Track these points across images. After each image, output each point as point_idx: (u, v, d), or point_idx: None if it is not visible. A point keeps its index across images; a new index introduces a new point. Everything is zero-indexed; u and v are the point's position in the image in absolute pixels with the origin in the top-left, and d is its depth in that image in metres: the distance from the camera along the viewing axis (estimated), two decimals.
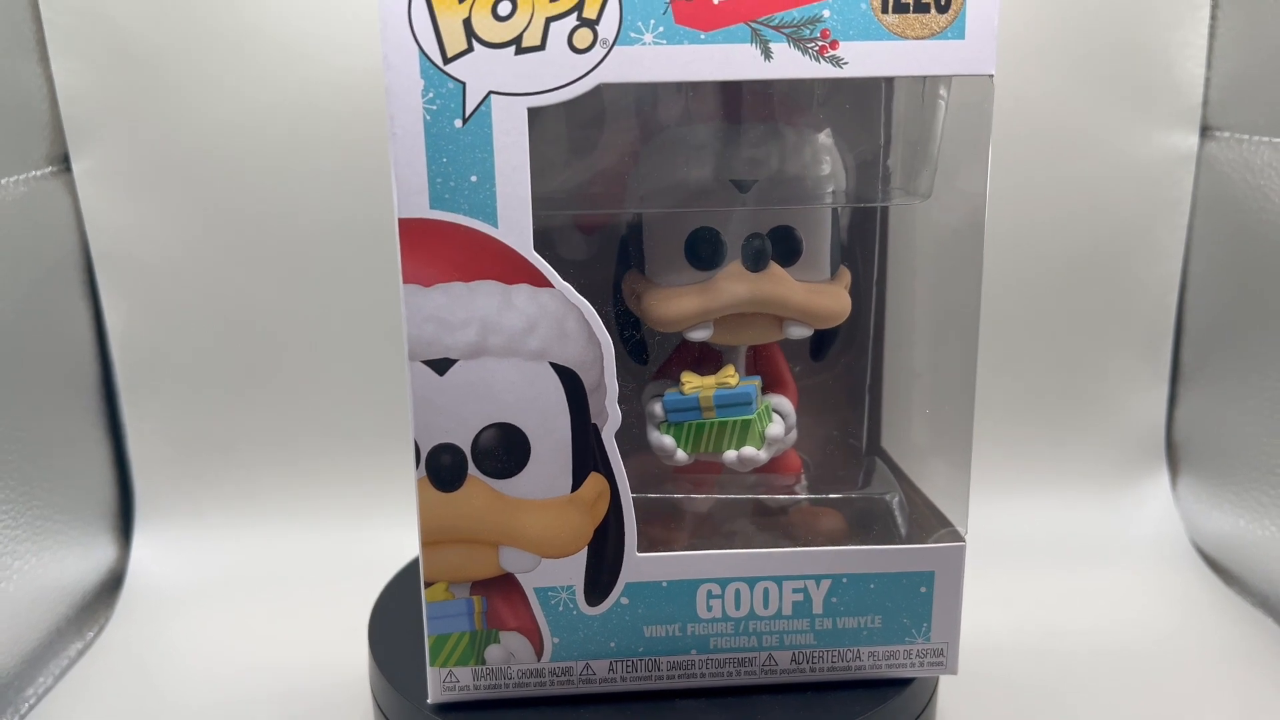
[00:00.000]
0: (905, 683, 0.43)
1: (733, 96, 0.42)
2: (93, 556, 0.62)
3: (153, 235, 0.63)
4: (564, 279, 0.38)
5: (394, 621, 0.48)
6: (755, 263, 0.41)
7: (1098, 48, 0.63)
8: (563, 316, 0.38)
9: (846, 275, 0.44)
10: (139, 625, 0.60)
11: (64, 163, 0.61)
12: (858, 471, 0.50)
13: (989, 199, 0.40)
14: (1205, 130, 0.64)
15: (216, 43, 0.60)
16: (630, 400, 0.39)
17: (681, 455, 0.43)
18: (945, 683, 0.47)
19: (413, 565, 0.54)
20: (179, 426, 0.66)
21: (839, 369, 0.49)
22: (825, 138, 0.42)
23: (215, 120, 0.61)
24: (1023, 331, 0.68)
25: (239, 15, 0.60)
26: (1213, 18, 0.63)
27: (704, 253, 0.42)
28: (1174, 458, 0.70)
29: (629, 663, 0.42)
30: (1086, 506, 0.69)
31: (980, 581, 0.42)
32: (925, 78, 0.41)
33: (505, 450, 0.39)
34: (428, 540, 0.40)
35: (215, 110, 0.61)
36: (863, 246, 0.48)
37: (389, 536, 0.63)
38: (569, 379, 0.38)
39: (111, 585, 0.63)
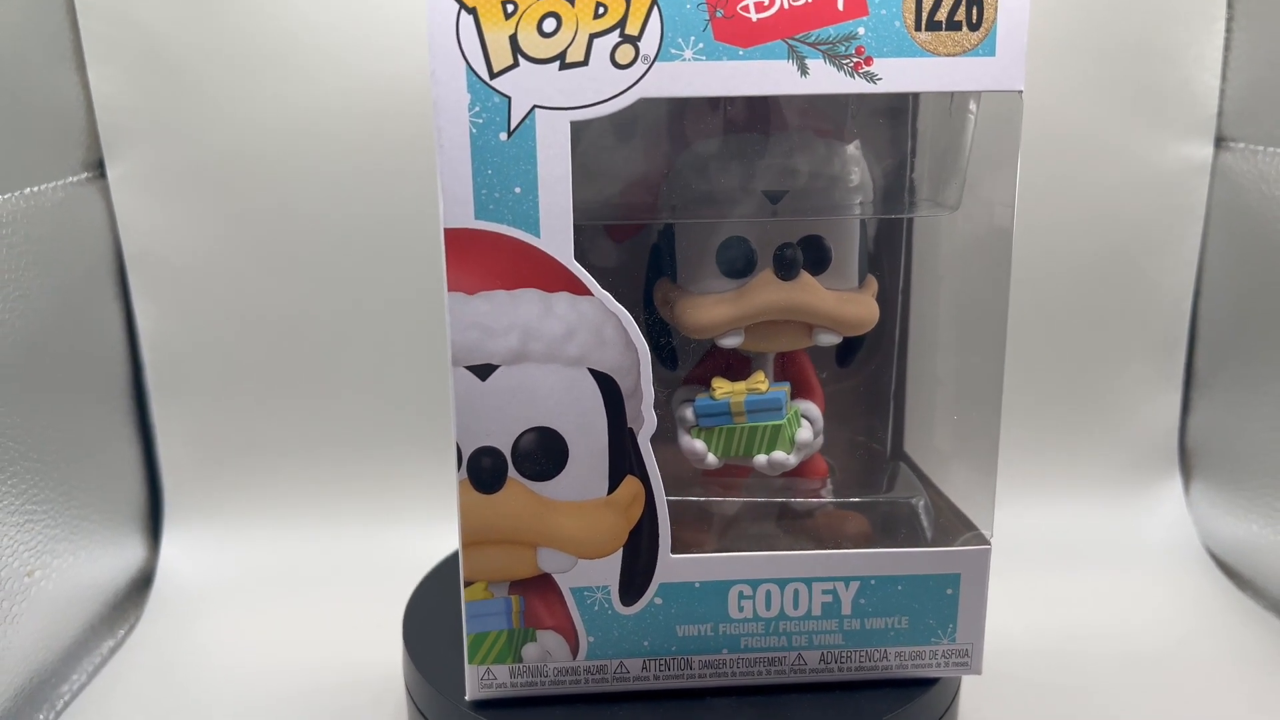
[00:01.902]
0: (930, 683, 0.44)
1: (765, 109, 0.43)
2: (124, 556, 0.63)
3: (185, 241, 0.64)
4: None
5: (428, 620, 0.49)
6: (787, 271, 0.42)
7: (1113, 58, 0.64)
8: (601, 323, 0.39)
9: (873, 284, 0.45)
10: (169, 624, 0.61)
11: (99, 169, 0.62)
12: (882, 475, 0.50)
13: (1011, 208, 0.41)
14: (1220, 141, 0.65)
15: (249, 50, 0.61)
16: (660, 406, 0.40)
17: (712, 459, 0.44)
18: (964, 683, 0.48)
19: (443, 564, 0.55)
20: (208, 428, 0.67)
21: (864, 375, 0.50)
22: (854, 149, 0.43)
23: (247, 127, 0.62)
24: (1037, 337, 0.68)
25: (271, 23, 0.61)
26: (1228, 30, 0.63)
27: (736, 261, 0.43)
28: (1187, 463, 0.71)
29: (662, 661, 0.42)
30: (1100, 511, 0.70)
31: (994, 583, 0.43)
32: (955, 92, 0.42)
33: (544, 453, 0.40)
34: (468, 540, 0.40)
35: (247, 117, 0.62)
36: (889, 255, 0.49)
37: (415, 537, 0.64)
38: (606, 384, 0.39)
39: (141, 584, 0.64)
